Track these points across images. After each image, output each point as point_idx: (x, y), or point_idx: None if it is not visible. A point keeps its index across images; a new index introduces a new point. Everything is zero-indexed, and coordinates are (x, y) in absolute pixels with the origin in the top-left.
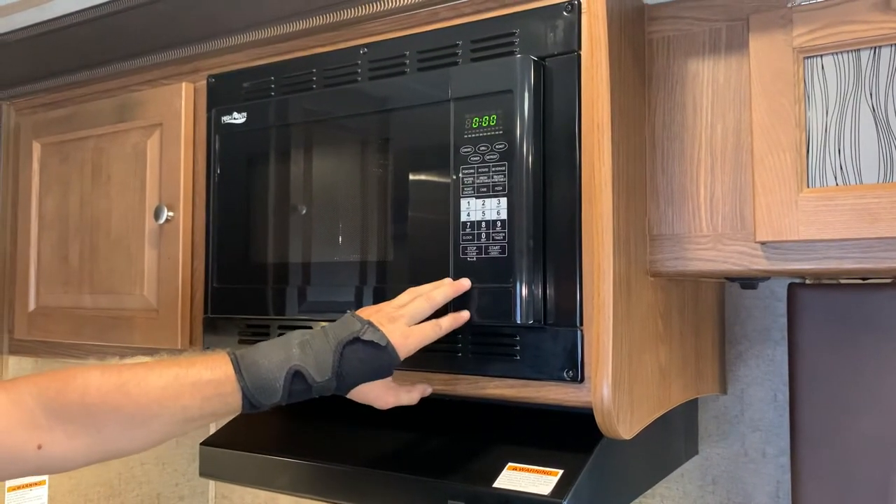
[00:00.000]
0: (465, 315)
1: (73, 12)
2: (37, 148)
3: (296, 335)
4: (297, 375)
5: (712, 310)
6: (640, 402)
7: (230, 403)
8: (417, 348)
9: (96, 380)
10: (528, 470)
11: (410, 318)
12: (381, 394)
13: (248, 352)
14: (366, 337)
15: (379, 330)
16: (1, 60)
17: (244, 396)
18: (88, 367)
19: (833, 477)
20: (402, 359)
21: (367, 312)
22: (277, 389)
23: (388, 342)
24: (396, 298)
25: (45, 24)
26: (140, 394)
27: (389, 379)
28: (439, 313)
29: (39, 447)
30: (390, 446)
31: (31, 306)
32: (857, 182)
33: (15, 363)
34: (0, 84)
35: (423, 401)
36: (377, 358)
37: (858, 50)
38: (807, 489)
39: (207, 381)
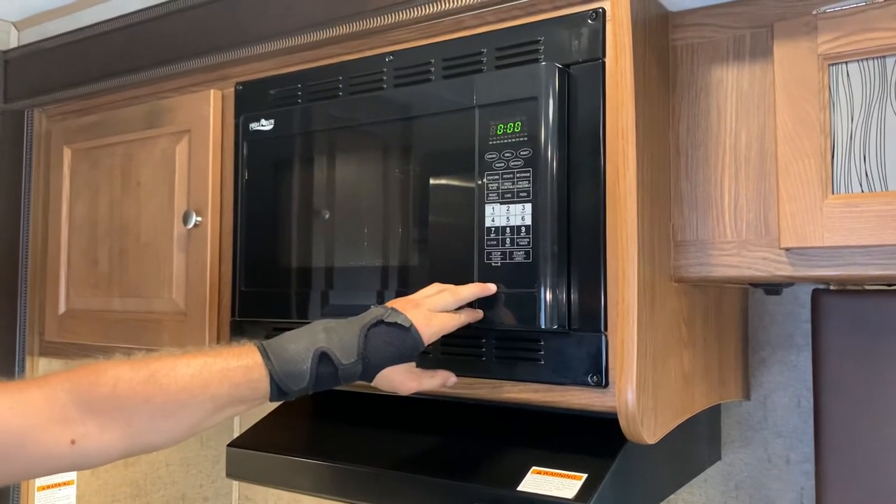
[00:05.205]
0: (479, 313)
1: (103, 21)
2: (67, 154)
3: (321, 323)
4: (323, 357)
5: (736, 316)
6: (663, 407)
7: (258, 389)
8: (440, 334)
9: (126, 372)
10: (552, 474)
11: (434, 307)
12: (404, 379)
13: (275, 339)
14: (389, 319)
15: (402, 313)
16: (33, 68)
17: (272, 381)
18: (118, 360)
19: (858, 483)
20: (426, 342)
21: (391, 301)
22: (304, 373)
23: (412, 324)
24: (423, 289)
25: (75, 32)
26: (169, 383)
27: (413, 364)
28: None
29: (73, 442)
30: (414, 449)
31: (62, 309)
32: (883, 189)
33: (45, 365)
34: (32, 91)
35: (446, 404)
36: (402, 340)
37: (884, 57)
38: (831, 496)
39: (235, 367)
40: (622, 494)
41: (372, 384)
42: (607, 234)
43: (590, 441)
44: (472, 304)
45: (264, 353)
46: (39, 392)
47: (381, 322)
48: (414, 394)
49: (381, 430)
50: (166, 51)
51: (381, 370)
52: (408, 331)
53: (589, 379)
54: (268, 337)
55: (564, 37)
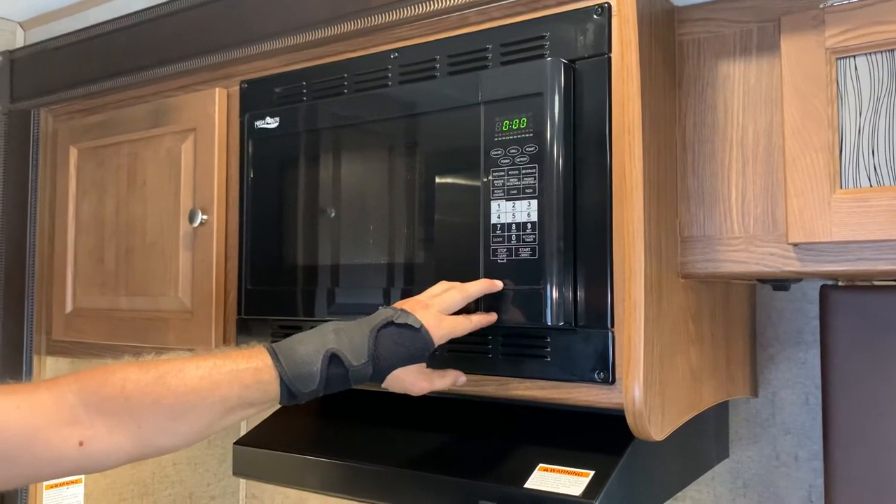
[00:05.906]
0: (493, 316)
1: (109, 20)
2: (73, 153)
3: (330, 324)
4: (333, 358)
5: (743, 312)
6: (671, 403)
7: (268, 392)
8: (450, 336)
9: (135, 373)
10: (559, 471)
11: (442, 306)
12: (415, 379)
13: (285, 341)
14: (399, 320)
15: (412, 314)
16: (39, 68)
17: (282, 383)
18: (127, 363)
19: (867, 480)
20: (436, 344)
21: (400, 303)
22: (315, 374)
23: (422, 325)
24: (430, 289)
25: (81, 31)
26: (178, 384)
27: (423, 365)
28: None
29: (81, 444)
30: (421, 447)
31: (68, 308)
32: (892, 183)
33: (52, 363)
34: (38, 91)
35: (453, 402)
36: (412, 341)
37: (892, 50)
38: (841, 493)
39: (245, 369)
40: (629, 491)
41: (383, 386)
42: (614, 231)
43: (597, 438)
44: (478, 302)
45: (274, 355)
46: (48, 393)
47: (391, 323)
48: (425, 394)
49: (387, 428)
50: (171, 49)
51: (391, 371)
52: (418, 332)
53: (596, 375)
54: (274, 335)
55: (570, 32)
